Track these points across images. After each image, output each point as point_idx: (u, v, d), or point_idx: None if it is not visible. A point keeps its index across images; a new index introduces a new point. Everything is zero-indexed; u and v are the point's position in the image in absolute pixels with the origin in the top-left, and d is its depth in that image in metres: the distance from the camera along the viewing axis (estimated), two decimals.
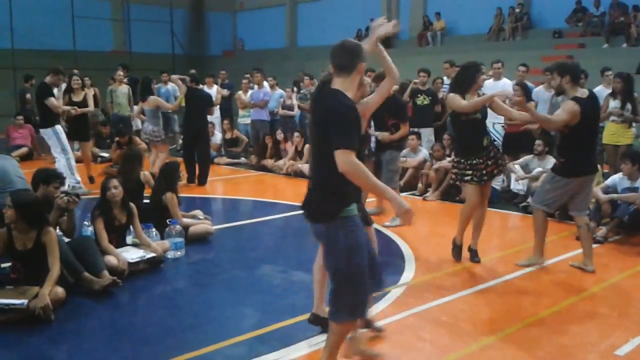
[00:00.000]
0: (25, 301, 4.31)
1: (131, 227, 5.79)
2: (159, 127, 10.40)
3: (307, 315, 4.35)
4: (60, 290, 4.55)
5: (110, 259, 5.23)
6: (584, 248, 5.68)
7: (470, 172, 5.65)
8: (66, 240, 5.26)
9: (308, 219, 3.27)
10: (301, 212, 3.31)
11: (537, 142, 8.62)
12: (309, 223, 3.28)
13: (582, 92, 5.36)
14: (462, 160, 5.68)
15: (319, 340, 4.03)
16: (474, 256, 5.86)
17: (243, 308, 4.71)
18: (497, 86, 9.58)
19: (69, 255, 4.85)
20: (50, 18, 22.17)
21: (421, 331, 4.23)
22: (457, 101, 5.49)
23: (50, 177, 5.48)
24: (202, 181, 9.89)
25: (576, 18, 17.79)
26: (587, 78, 9.00)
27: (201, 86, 12.78)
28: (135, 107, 13.62)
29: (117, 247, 5.46)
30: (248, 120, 12.71)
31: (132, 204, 5.73)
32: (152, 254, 5.55)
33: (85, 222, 6.14)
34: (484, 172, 5.62)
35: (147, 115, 10.51)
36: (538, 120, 5.68)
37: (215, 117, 13.01)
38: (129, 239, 5.87)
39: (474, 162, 5.61)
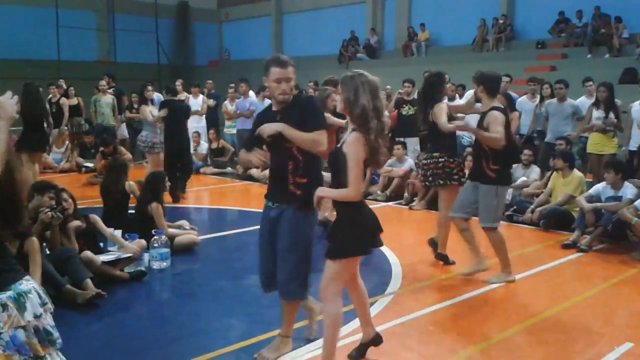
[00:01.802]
0: None
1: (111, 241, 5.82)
2: (157, 134, 9.70)
3: (294, 326, 4.34)
4: None
5: (86, 254, 5.24)
6: (475, 249, 5.69)
7: (456, 170, 5.91)
8: (48, 252, 5.23)
9: None
10: None
11: (525, 151, 8.71)
12: None
13: (500, 102, 5.63)
14: (449, 159, 5.88)
15: (306, 352, 4.03)
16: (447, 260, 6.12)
17: (229, 319, 4.69)
18: None
19: (49, 268, 4.78)
20: (35, 28, 22.05)
21: (408, 340, 4.22)
22: (443, 118, 5.65)
23: (44, 187, 5.44)
24: (177, 197, 9.32)
25: (559, 29, 18.00)
26: (568, 88, 9.11)
27: (185, 96, 12.73)
28: (120, 116, 13.57)
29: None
30: (234, 130, 12.69)
31: (91, 215, 5.82)
32: (128, 254, 5.58)
33: None
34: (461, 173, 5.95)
35: (144, 123, 10.06)
36: (485, 140, 5.36)
37: (201, 126, 12.99)
38: (113, 249, 5.84)
39: (455, 161, 5.94)
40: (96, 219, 5.80)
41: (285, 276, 3.73)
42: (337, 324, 3.55)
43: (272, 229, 3.81)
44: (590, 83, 9.35)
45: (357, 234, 3.44)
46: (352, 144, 3.35)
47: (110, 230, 5.85)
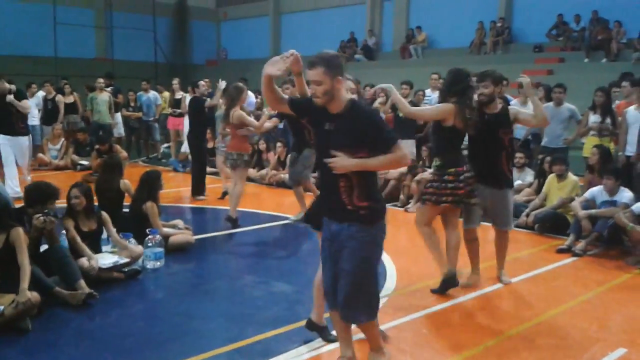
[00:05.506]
0: (0, 307, 4.24)
1: (108, 238, 5.78)
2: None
3: (288, 327, 4.35)
4: (34, 294, 4.45)
5: (84, 261, 5.21)
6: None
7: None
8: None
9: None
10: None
11: (517, 154, 8.70)
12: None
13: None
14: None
15: (300, 353, 4.02)
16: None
17: (223, 319, 4.67)
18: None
19: (35, 271, 4.70)
20: (32, 25, 22.01)
21: (402, 343, 4.21)
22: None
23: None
24: (195, 192, 9.62)
25: (557, 32, 18.04)
26: (566, 92, 9.11)
27: (182, 94, 12.69)
28: (118, 115, 13.55)
29: None
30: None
31: (103, 212, 5.75)
32: (126, 259, 5.55)
33: (63, 232, 6.06)
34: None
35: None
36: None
37: None
38: (107, 248, 5.82)
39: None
40: (106, 219, 5.74)
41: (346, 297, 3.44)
42: None
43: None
44: (619, 89, 9.17)
45: None
46: None
47: (115, 232, 5.82)
